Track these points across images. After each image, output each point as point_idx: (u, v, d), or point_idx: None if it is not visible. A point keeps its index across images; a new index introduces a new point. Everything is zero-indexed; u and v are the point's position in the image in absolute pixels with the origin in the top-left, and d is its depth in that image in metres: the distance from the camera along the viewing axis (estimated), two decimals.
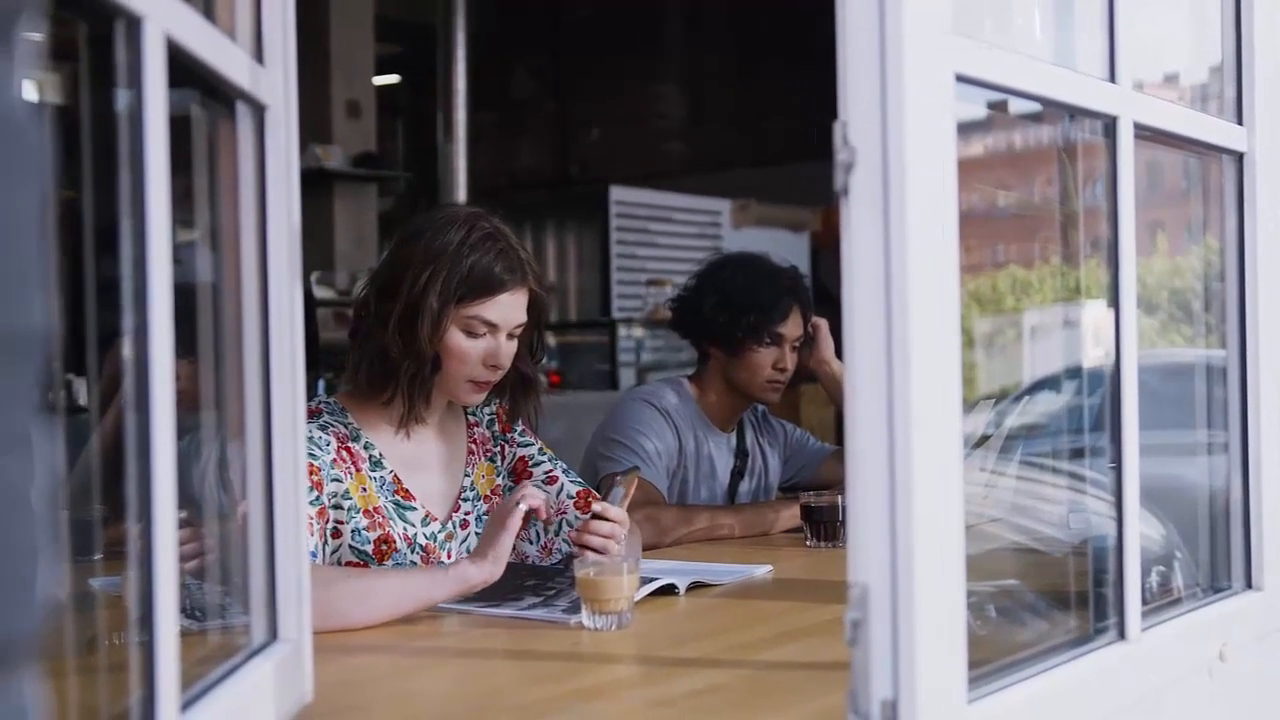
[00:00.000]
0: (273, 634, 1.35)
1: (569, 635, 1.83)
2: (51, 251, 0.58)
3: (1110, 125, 1.48)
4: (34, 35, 0.59)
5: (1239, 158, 1.77)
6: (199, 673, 1.19)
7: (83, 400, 2.80)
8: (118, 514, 1.10)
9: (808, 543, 2.64)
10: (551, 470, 2.36)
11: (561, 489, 2.33)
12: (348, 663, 1.70)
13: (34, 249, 0.56)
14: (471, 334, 2.16)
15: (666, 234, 8.00)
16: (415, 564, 2.17)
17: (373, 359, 2.17)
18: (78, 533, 1.44)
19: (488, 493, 2.33)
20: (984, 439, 1.95)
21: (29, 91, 0.58)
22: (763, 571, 2.32)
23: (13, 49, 0.56)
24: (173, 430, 1.01)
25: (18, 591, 0.55)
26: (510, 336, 2.19)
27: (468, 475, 2.32)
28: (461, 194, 8.55)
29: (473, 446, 2.34)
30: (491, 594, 2.03)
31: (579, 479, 2.38)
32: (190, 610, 1.33)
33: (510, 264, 2.17)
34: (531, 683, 1.62)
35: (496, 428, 2.38)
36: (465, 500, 2.30)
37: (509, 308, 2.17)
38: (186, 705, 1.08)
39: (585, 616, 1.85)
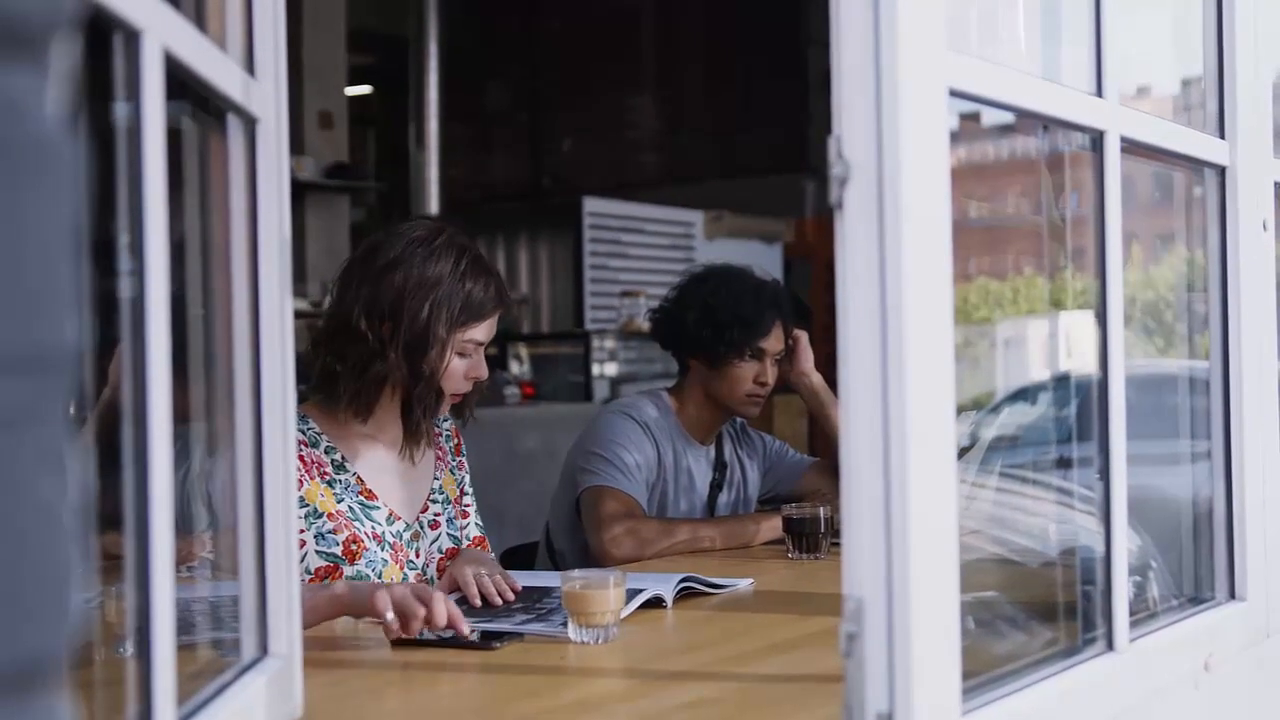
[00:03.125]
0: (263, 649, 1.34)
1: (556, 649, 1.82)
2: (82, 269, 0.58)
3: (1098, 139, 1.49)
4: (65, 54, 0.59)
5: (1221, 171, 1.79)
6: (190, 688, 1.18)
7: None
8: (102, 528, 1.09)
9: (789, 555, 2.64)
10: (469, 506, 2.47)
11: (466, 527, 2.44)
12: (337, 678, 1.69)
13: (68, 267, 0.56)
14: (463, 354, 2.26)
15: (640, 245, 8.00)
16: (386, 561, 2.23)
17: (372, 384, 2.23)
18: None
19: (455, 498, 2.42)
20: (962, 451, 1.96)
21: (60, 108, 0.58)
22: (745, 584, 2.32)
23: (46, 68, 0.56)
24: (169, 445, 1.00)
25: (52, 609, 0.55)
26: (486, 350, 2.32)
27: (436, 478, 2.39)
28: (434, 205, 8.53)
29: (439, 453, 2.42)
30: (484, 613, 2.02)
31: (482, 524, 2.49)
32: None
33: (499, 286, 2.29)
34: (520, 697, 1.61)
35: (452, 445, 2.47)
36: (435, 501, 2.37)
37: (493, 326, 2.30)
38: None
39: (571, 630, 1.84)
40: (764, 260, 7.29)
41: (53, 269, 0.55)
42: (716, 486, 3.09)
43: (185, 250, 1.34)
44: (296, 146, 7.44)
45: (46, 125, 0.56)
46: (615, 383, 7.31)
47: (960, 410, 1.87)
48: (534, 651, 1.81)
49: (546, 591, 2.17)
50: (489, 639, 1.84)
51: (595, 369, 7.33)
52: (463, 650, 1.81)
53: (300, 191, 7.41)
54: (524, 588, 2.22)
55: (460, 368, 2.26)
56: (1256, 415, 1.81)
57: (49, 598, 0.55)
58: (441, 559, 2.31)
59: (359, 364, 2.21)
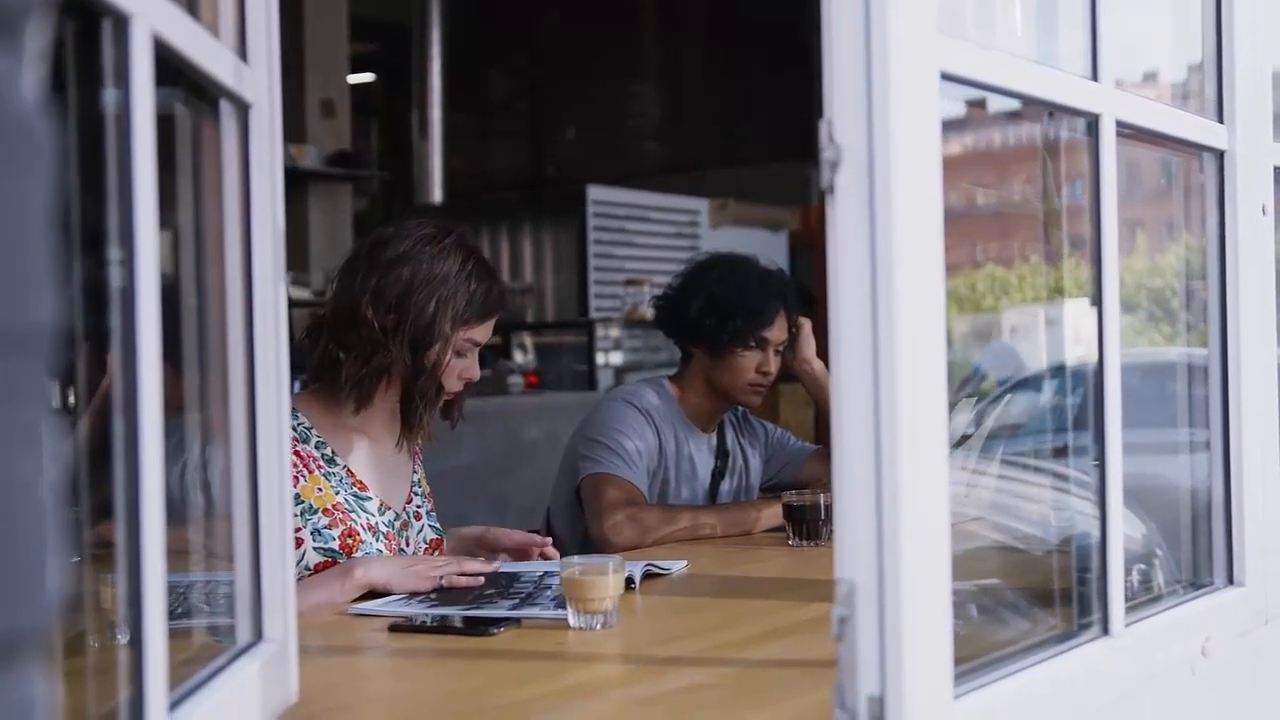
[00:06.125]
0: (258, 634, 1.35)
1: (554, 635, 1.82)
2: (58, 249, 0.59)
3: (1093, 123, 1.49)
4: (40, 34, 0.59)
5: (1220, 155, 1.78)
6: (184, 673, 1.18)
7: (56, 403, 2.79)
8: (96, 516, 1.09)
9: (790, 542, 2.64)
10: (426, 506, 2.45)
11: (421, 530, 2.41)
12: (332, 663, 1.69)
13: (44, 247, 0.56)
14: (460, 354, 2.28)
15: (644, 234, 7.99)
16: (381, 552, 2.25)
17: (374, 374, 2.24)
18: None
19: (428, 493, 2.46)
20: (964, 438, 1.96)
21: (35, 90, 0.58)
22: (680, 566, 2.34)
23: (20, 48, 0.57)
24: (160, 432, 1.00)
25: (28, 586, 0.56)
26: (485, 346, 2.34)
27: (416, 472, 2.43)
28: (437, 194, 8.54)
29: (417, 449, 2.45)
30: (470, 600, 2.02)
31: (438, 526, 2.46)
32: (172, 609, 1.32)
33: (500, 291, 2.32)
34: (517, 682, 1.61)
35: (419, 444, 2.49)
36: (416, 494, 2.41)
37: (490, 328, 2.33)
38: (174, 705, 1.07)
39: (570, 616, 1.84)
40: (769, 248, 7.29)
41: (28, 249, 0.55)
42: (719, 474, 3.09)
43: (179, 238, 1.34)
44: (299, 135, 7.44)
45: (21, 106, 0.57)
46: (619, 372, 7.32)
47: (966, 397, 1.87)
48: (531, 637, 1.82)
49: (515, 577, 2.17)
50: (486, 624, 1.85)
51: (599, 358, 7.33)
52: (460, 636, 1.82)
53: (303, 180, 7.41)
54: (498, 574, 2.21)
55: (456, 367, 2.29)
56: (1255, 401, 1.81)
57: (26, 575, 0.55)
58: (426, 549, 2.34)
59: (362, 353, 2.23)
